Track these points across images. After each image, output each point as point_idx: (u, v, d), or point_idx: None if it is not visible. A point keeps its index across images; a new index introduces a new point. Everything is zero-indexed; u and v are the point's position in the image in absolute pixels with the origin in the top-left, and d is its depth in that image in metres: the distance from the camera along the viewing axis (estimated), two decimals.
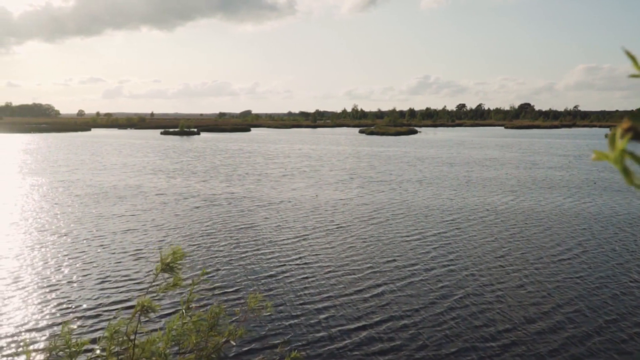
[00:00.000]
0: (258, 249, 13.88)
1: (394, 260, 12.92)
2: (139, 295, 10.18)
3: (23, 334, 8.56)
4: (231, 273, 11.81)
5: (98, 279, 11.30)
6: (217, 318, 3.60)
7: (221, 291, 10.58)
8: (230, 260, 12.85)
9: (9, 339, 8.34)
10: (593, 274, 11.96)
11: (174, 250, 2.90)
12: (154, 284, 3.01)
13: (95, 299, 10.11)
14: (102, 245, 14.06)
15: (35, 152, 48.18)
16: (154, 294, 3.36)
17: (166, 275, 3.25)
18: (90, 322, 9.00)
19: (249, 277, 11.57)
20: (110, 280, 11.19)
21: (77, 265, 12.30)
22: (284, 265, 12.49)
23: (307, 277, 11.58)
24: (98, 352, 3.52)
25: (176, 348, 3.55)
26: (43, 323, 8.97)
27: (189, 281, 3.57)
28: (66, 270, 11.86)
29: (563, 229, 16.63)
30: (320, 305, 9.93)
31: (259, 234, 15.67)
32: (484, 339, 8.57)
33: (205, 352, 3.49)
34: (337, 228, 16.50)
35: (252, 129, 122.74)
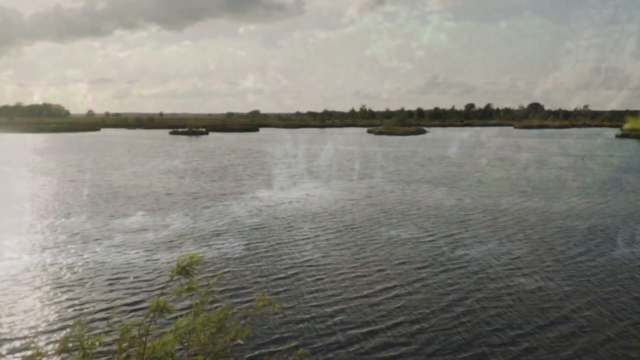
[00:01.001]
0: (268, 250, 13.77)
1: (406, 262, 12.75)
2: (150, 297, 10.12)
3: (35, 332, 8.51)
4: (241, 274, 11.71)
5: (108, 278, 11.25)
6: (224, 318, 3.50)
7: (231, 293, 10.48)
8: (241, 260, 12.75)
9: (21, 338, 8.29)
10: (611, 276, 11.72)
11: (191, 255, 2.81)
12: (167, 286, 2.91)
13: (105, 299, 10.05)
14: (113, 245, 14.02)
15: (46, 152, 48.48)
16: (166, 295, 3.25)
17: (181, 278, 3.14)
18: (99, 321, 8.93)
19: (259, 277, 11.47)
20: (120, 281, 11.13)
21: (88, 265, 12.26)
22: (294, 266, 12.37)
23: (319, 279, 11.45)
24: (109, 351, 3.43)
25: (184, 348, 3.45)
26: (54, 322, 8.91)
27: (202, 283, 3.47)
28: (77, 270, 11.83)
29: (578, 230, 16.36)
30: (333, 308, 9.80)
31: (269, 234, 15.57)
32: (501, 341, 8.39)
33: (212, 352, 3.39)
34: (347, 229, 16.35)
35: (260, 128, 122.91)
